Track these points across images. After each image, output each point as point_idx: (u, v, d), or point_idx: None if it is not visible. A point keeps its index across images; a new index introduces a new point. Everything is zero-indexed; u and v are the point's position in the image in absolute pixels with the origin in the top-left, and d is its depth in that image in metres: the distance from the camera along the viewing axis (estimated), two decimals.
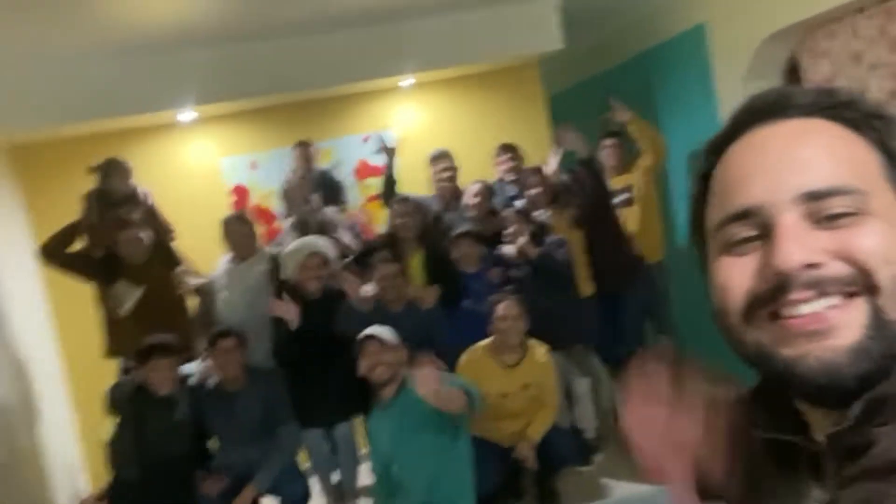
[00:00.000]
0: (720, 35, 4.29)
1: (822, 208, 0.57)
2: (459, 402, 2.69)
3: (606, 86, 5.73)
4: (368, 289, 3.60)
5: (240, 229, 3.75)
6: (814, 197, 0.57)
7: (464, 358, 3.52)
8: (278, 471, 3.48)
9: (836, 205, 0.57)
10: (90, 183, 3.87)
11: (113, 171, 3.83)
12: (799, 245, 0.56)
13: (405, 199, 3.86)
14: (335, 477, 3.92)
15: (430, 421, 2.80)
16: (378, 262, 3.55)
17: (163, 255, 3.80)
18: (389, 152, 4.16)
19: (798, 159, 0.59)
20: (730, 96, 4.28)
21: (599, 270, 4.05)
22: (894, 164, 0.60)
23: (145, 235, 3.72)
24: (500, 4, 4.36)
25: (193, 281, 3.80)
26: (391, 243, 3.80)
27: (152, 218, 3.86)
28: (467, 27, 4.40)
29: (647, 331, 4.55)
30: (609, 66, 5.63)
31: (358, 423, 3.92)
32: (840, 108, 0.62)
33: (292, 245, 3.65)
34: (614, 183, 4.45)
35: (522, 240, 3.72)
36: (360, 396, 3.57)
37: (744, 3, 4.02)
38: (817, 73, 3.89)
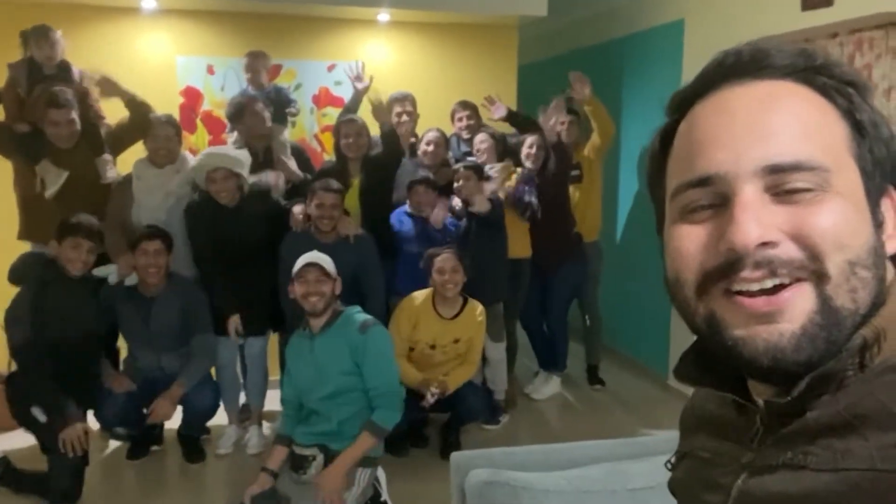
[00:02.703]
0: (696, 34, 4.35)
1: (783, 181, 0.56)
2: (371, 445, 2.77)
3: (576, 65, 5.74)
4: (299, 209, 3.55)
5: (165, 132, 3.60)
6: (776, 170, 0.56)
7: (403, 302, 3.55)
8: (199, 377, 3.44)
9: (798, 179, 0.55)
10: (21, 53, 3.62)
11: (40, 39, 3.54)
12: (756, 221, 0.55)
13: (353, 119, 3.81)
14: (242, 398, 3.91)
15: (351, 362, 2.80)
16: (318, 188, 3.47)
17: (90, 142, 3.61)
18: (361, 87, 4.05)
19: (764, 128, 0.56)
20: None
21: (538, 240, 4.11)
22: (862, 138, 0.58)
23: (76, 117, 3.51)
24: None
25: (112, 174, 3.64)
26: (340, 170, 3.76)
27: (84, 100, 3.63)
28: None
29: (573, 308, 4.66)
30: (582, 45, 5.63)
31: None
32: (814, 73, 0.59)
33: (199, 156, 3.60)
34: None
35: (481, 197, 3.72)
36: (276, 313, 3.59)
37: (723, 7, 4.08)
38: None
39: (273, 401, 3.98)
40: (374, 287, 3.57)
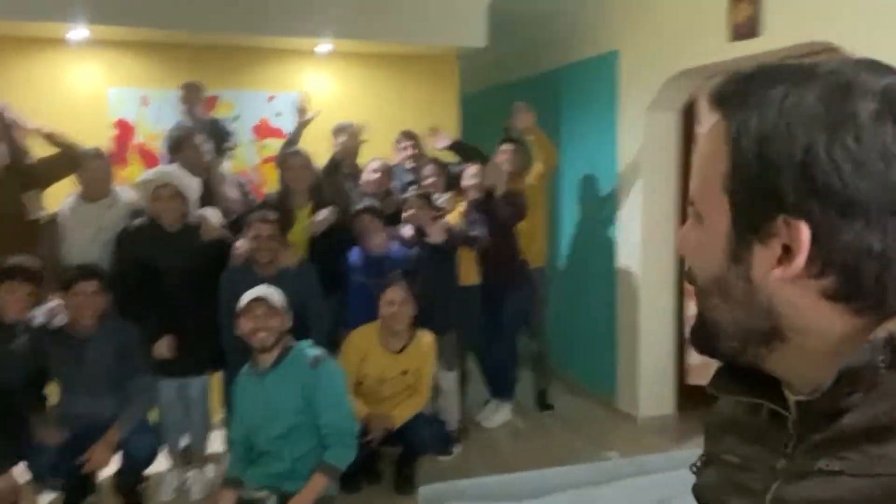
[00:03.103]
0: (630, 65, 4.49)
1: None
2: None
3: (516, 95, 5.85)
4: (241, 244, 3.46)
5: (96, 166, 3.48)
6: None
7: (351, 336, 3.49)
8: (137, 422, 3.27)
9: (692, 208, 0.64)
10: None
11: None
12: (679, 238, 0.66)
13: (298, 152, 3.76)
14: (184, 441, 3.74)
15: (303, 399, 2.72)
16: (255, 220, 3.40)
17: (16, 176, 3.44)
18: (302, 118, 4.00)
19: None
20: (630, 125, 4.50)
21: (486, 267, 4.12)
22: (739, 167, 0.57)
23: (0, 151, 3.36)
24: None
25: (40, 211, 3.48)
26: (282, 202, 3.69)
27: (6, 133, 3.48)
28: (395, 4, 4.34)
29: (522, 334, 4.67)
30: (522, 75, 5.74)
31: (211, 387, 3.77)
32: (732, 95, 0.59)
33: (145, 174, 3.51)
34: (509, 187, 4.54)
35: (441, 223, 3.72)
36: (219, 350, 3.46)
37: (654, 39, 4.24)
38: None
39: (217, 442, 3.84)
40: (316, 318, 3.49)
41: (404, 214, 3.78)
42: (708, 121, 0.61)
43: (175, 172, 3.46)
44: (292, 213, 3.67)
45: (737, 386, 0.66)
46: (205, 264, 3.46)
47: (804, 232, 0.55)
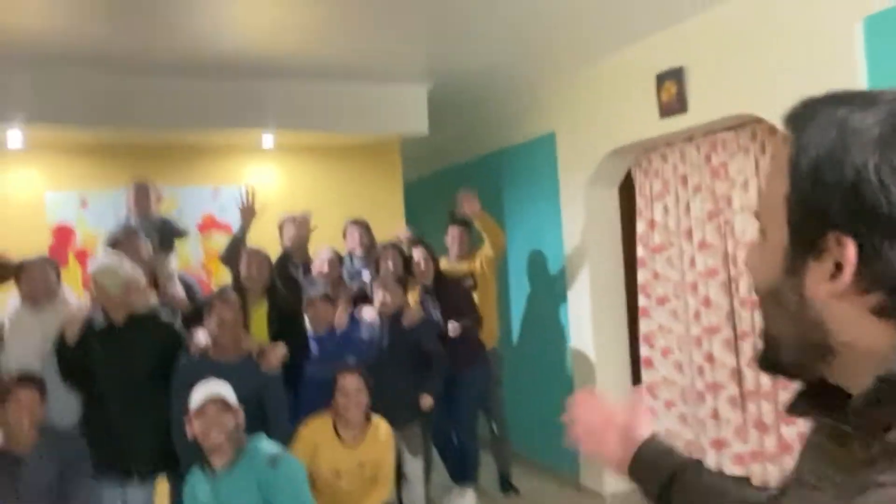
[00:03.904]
0: (567, 145, 4.67)
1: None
2: None
3: (459, 178, 5.98)
4: (202, 335, 3.34)
5: (43, 272, 3.36)
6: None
7: (302, 430, 3.33)
8: None
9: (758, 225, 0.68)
10: None
11: None
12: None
13: (257, 250, 3.69)
14: None
15: (262, 501, 2.59)
16: (216, 302, 3.29)
17: None
18: (248, 213, 3.96)
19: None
20: (571, 203, 4.63)
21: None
22: (796, 187, 0.61)
23: None
24: (373, 81, 4.46)
25: None
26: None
27: None
28: (336, 97, 4.44)
29: (480, 416, 4.59)
30: (464, 160, 5.89)
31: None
32: (795, 118, 0.63)
33: (90, 266, 3.38)
34: (457, 269, 4.58)
35: (410, 309, 3.73)
36: (169, 451, 3.26)
37: (588, 120, 4.43)
38: (649, 190, 4.32)
39: None
40: (278, 408, 3.35)
41: (381, 296, 3.74)
42: (779, 142, 0.66)
43: (118, 262, 3.33)
44: (246, 312, 3.58)
45: (811, 408, 0.67)
46: (155, 359, 3.30)
47: (851, 249, 0.57)
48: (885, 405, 0.56)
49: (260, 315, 3.57)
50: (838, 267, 0.58)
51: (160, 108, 4.11)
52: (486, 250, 4.57)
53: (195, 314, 3.55)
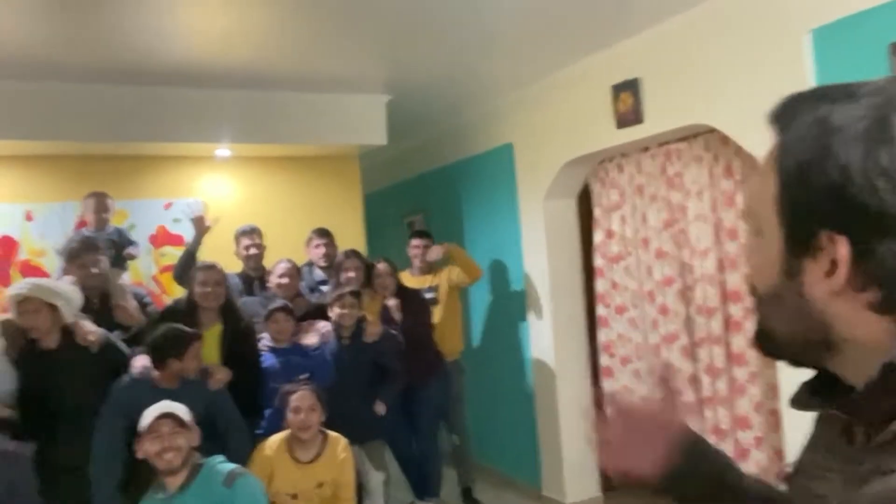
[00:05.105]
0: (525, 156, 4.69)
1: None
2: None
3: (419, 189, 5.97)
4: (142, 360, 3.21)
5: None
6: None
7: (255, 454, 3.22)
8: None
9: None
10: None
11: None
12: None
13: (213, 267, 3.55)
14: None
15: None
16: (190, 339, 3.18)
17: None
18: (200, 226, 3.86)
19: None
20: (530, 213, 4.65)
21: (402, 362, 4.03)
22: (784, 187, 0.61)
23: None
24: (331, 91, 4.41)
25: None
26: (189, 317, 3.45)
27: None
28: (292, 107, 4.38)
29: (441, 429, 4.55)
30: (424, 170, 5.87)
31: None
32: (783, 117, 0.63)
33: (10, 288, 3.25)
34: (420, 282, 4.55)
35: (372, 324, 3.69)
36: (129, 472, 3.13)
37: (546, 130, 4.45)
38: (606, 200, 4.37)
39: None
40: (231, 423, 3.24)
41: (338, 312, 3.67)
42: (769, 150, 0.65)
43: (35, 282, 3.21)
44: (199, 331, 3.46)
45: (814, 400, 0.67)
46: (94, 382, 3.16)
47: (844, 247, 0.57)
48: (891, 393, 0.56)
49: (212, 335, 3.46)
50: (834, 265, 0.58)
51: (109, 118, 3.99)
52: (458, 276, 4.53)
53: (138, 335, 3.41)
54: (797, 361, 0.67)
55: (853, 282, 0.57)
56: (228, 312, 3.51)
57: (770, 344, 0.67)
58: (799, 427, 3.04)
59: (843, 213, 0.56)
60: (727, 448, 3.68)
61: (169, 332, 3.08)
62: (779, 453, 3.48)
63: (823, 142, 0.57)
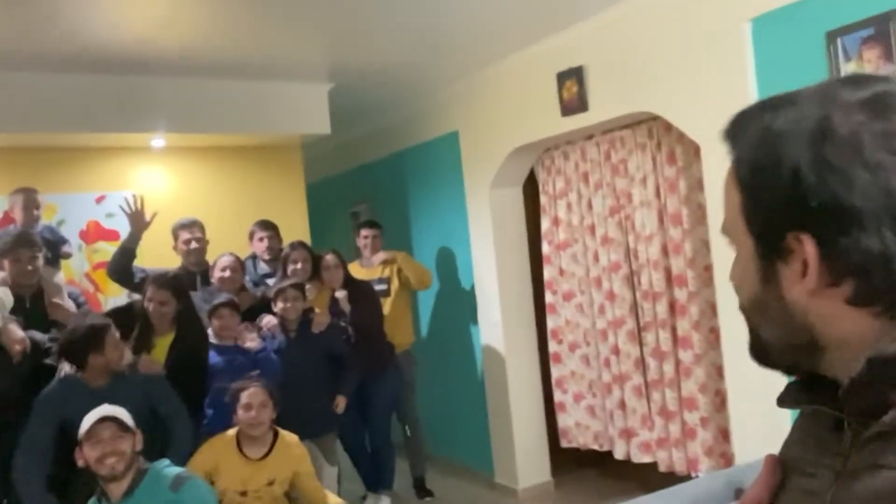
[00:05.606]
0: (470, 144, 4.67)
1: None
2: None
3: (364, 179, 5.88)
4: (66, 366, 3.06)
5: None
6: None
7: (203, 447, 3.13)
8: None
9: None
10: None
11: None
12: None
13: (164, 280, 3.38)
14: None
15: None
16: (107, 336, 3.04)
17: None
18: (138, 221, 3.68)
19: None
20: (476, 201, 4.63)
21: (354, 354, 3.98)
22: (747, 196, 0.63)
23: None
24: (271, 79, 4.28)
25: None
26: (137, 321, 3.33)
27: None
28: (231, 96, 4.24)
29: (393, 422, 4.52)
30: (369, 160, 5.79)
31: None
32: (732, 132, 0.65)
33: None
34: (370, 273, 4.49)
35: (319, 316, 3.63)
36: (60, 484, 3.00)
37: (491, 118, 4.44)
38: (552, 188, 4.39)
39: None
40: (174, 407, 3.14)
41: (281, 307, 3.59)
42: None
43: None
44: (149, 338, 3.34)
45: (802, 396, 0.68)
46: (26, 387, 3.01)
47: (810, 245, 0.58)
48: (877, 386, 0.57)
49: (164, 344, 3.34)
50: (805, 265, 0.59)
51: (37, 108, 3.78)
52: (406, 280, 4.50)
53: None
54: (790, 369, 0.68)
55: (826, 278, 0.59)
56: (185, 322, 3.40)
57: (764, 354, 0.68)
58: (743, 407, 3.13)
59: (802, 212, 0.58)
60: (675, 429, 3.76)
61: (78, 329, 2.95)
62: (724, 433, 3.57)
63: (772, 148, 0.60)
